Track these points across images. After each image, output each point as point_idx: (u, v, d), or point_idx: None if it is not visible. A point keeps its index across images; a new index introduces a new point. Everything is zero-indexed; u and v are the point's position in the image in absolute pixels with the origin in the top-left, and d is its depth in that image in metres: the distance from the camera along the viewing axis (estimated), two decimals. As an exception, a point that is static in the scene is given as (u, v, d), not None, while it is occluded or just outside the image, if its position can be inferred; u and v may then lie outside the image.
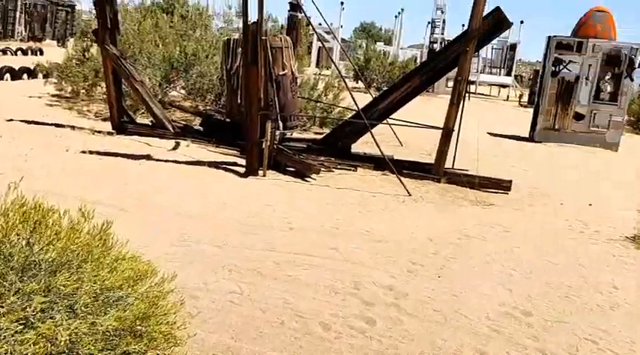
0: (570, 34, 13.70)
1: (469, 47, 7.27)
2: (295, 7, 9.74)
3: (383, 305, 3.76)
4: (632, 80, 13.53)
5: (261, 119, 6.95)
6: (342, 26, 38.21)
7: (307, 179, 7.05)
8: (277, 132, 7.66)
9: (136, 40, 9.83)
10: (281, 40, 7.84)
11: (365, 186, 7.04)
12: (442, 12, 36.56)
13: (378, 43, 39.77)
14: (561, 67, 13.38)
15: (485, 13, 7.27)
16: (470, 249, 5.16)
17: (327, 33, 38.43)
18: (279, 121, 7.80)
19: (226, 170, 7.04)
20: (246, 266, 4.11)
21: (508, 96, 29.43)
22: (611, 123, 13.36)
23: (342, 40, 42.09)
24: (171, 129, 8.25)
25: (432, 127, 7.89)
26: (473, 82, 28.70)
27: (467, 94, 22.35)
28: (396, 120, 8.80)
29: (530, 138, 13.73)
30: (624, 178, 9.62)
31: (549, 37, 13.44)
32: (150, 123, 8.51)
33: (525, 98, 26.61)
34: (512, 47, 33.56)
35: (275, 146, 7.36)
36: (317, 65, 35.94)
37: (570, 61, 13.31)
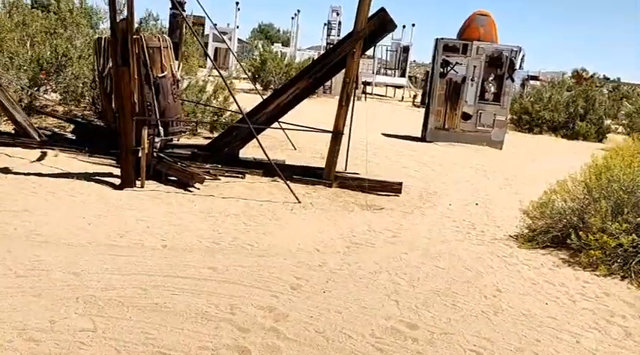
0: (456, 37, 14.16)
1: (355, 48, 7.13)
2: (179, 4, 9.17)
3: (260, 330, 3.42)
4: (512, 81, 14.24)
5: (137, 125, 6.38)
6: (238, 27, 37.55)
7: (190, 189, 6.57)
8: (157, 139, 7.11)
9: (-5, 39, 8.81)
10: (159, 40, 7.28)
11: (253, 194, 6.68)
12: (337, 14, 37.04)
13: (275, 44, 39.51)
14: (449, 68, 13.80)
15: (371, 14, 7.17)
16: (357, 257, 4.96)
17: (223, 33, 37.71)
18: (160, 127, 7.25)
19: (99, 182, 6.40)
20: (106, 295, 3.61)
21: (403, 97, 30.34)
22: (496, 123, 13.97)
23: (239, 40, 41.43)
24: (36, 137, 7.41)
25: (322, 131, 7.69)
26: (369, 83, 29.31)
27: (363, 95, 22.63)
28: (286, 123, 8.55)
29: (422, 138, 14.05)
30: (508, 175, 10.00)
31: (437, 39, 13.82)
32: (12, 132, 7.60)
33: (419, 99, 27.51)
34: (406, 49, 34.66)
35: (155, 154, 6.81)
36: (213, 66, 35.11)
37: (457, 63, 13.75)
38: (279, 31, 59.15)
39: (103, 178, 6.55)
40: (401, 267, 4.80)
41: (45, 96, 9.57)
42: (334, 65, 7.39)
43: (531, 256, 5.43)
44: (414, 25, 32.46)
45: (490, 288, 4.52)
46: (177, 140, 8.45)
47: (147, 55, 7.10)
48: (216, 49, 37.38)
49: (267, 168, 7.28)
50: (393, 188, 7.49)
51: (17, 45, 9.51)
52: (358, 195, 7.18)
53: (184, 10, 9.40)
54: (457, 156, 11.76)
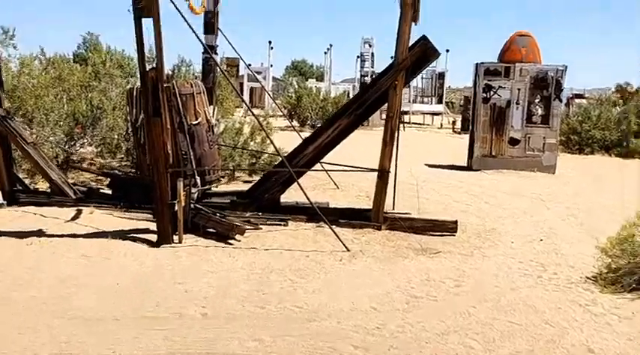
0: (497, 60, 13.60)
1: (398, 80, 6.68)
2: (210, 48, 8.96)
3: None
4: (560, 101, 13.50)
5: (172, 177, 6.04)
6: (271, 65, 37.96)
7: (231, 241, 6.15)
8: (194, 190, 6.76)
9: (28, 96, 8.74)
10: (191, 86, 7.02)
11: (297, 243, 6.21)
12: (370, 45, 37.00)
13: (310, 80, 39.73)
14: (492, 93, 13.22)
15: (411, 44, 6.74)
16: (420, 315, 4.39)
17: (257, 73, 38.14)
18: (196, 177, 6.91)
19: (134, 240, 6.05)
20: (140, 383, 3.16)
21: (442, 124, 29.74)
22: (546, 146, 13.24)
23: (274, 78, 41.83)
24: (72, 194, 7.18)
25: (367, 170, 7.20)
26: (406, 112, 28.86)
27: (402, 125, 22.16)
28: (328, 164, 8.12)
29: (469, 167, 13.41)
30: (569, 204, 9.24)
31: (477, 64, 13.28)
32: (48, 190, 7.40)
33: (459, 125, 26.86)
34: (441, 76, 34.24)
35: (192, 206, 6.45)
36: (247, 108, 35.36)
37: (500, 87, 13.17)
38: (312, 66, 59.66)
39: (138, 235, 6.20)
40: (471, 325, 4.21)
41: (82, 150, 9.45)
42: (375, 100, 6.94)
43: (618, 303, 4.75)
44: (448, 51, 31.95)
45: (580, 349, 3.88)
46: (216, 187, 8.13)
47: (180, 103, 6.83)
48: (251, 89, 37.83)
49: (311, 213, 6.81)
50: (447, 227, 6.90)
51: (53, 100, 9.46)
52: (411, 237, 6.61)
53: (216, 54, 9.21)
54: (509, 185, 11.06)
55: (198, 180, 6.94)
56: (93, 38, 24.11)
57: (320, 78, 44.52)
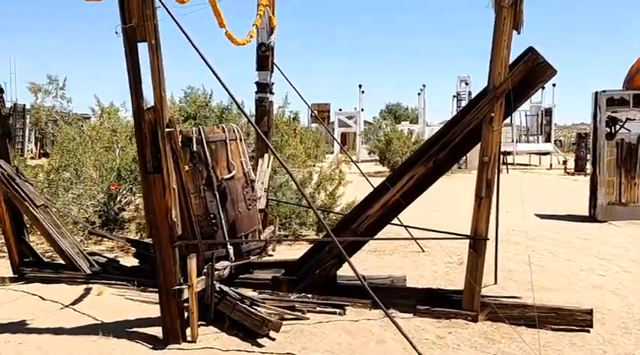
0: (622, 87, 11.14)
1: (494, 111, 4.77)
2: (264, 86, 7.57)
3: None
4: None
5: (182, 253, 4.48)
6: (362, 109, 36.74)
7: (261, 339, 4.43)
8: (224, 265, 5.16)
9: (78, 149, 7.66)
10: (223, 131, 5.53)
11: (355, 345, 4.35)
12: (466, 84, 34.84)
13: (403, 123, 37.98)
14: (618, 127, 10.73)
15: (512, 60, 4.84)
16: None
17: (349, 117, 37.08)
18: (229, 246, 5.33)
19: (134, 338, 4.48)
20: None
21: (551, 165, 26.59)
22: (694, 191, 10.45)
23: (366, 122, 40.53)
24: (85, 268, 5.87)
25: (455, 236, 5.23)
26: (510, 153, 26.10)
27: (504, 166, 19.42)
28: (407, 226, 6.30)
29: (592, 217, 10.90)
30: None
31: (597, 93, 10.91)
32: (64, 263, 6.15)
33: (571, 164, 23.78)
34: (548, 112, 31.13)
35: (217, 288, 4.83)
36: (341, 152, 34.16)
37: (628, 119, 10.66)
38: (407, 109, 57.88)
39: (144, 329, 4.65)
40: None
41: (124, 209, 8.29)
42: (463, 139, 5.04)
43: None
44: (554, 85, 28.93)
45: None
46: (263, 256, 6.52)
47: (208, 153, 5.36)
48: (342, 134, 36.75)
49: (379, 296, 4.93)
50: (578, 319, 4.73)
51: (104, 153, 8.46)
52: (522, 335, 4.52)
53: (272, 93, 7.78)
54: (653, 244, 8.47)
55: (231, 252, 5.34)
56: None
57: (415, 120, 42.65)
